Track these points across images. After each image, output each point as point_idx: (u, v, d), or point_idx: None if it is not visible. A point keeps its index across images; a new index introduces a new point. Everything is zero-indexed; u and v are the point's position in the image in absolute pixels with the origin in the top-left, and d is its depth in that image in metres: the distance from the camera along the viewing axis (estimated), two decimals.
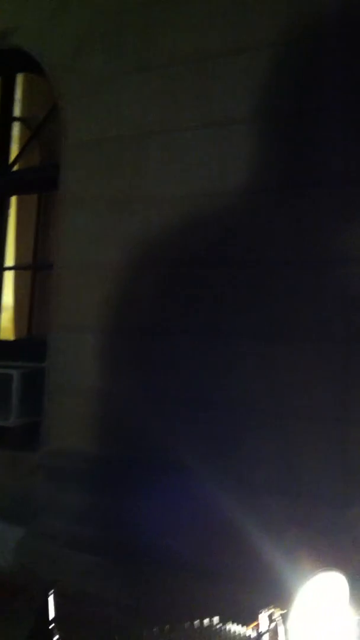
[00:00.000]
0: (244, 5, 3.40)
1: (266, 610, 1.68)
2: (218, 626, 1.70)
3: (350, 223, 3.10)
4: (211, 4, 3.49)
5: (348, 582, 1.74)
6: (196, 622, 1.69)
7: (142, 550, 3.17)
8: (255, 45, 3.36)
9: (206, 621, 1.70)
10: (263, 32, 3.34)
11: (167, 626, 1.66)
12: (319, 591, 1.72)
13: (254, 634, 1.70)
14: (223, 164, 3.43)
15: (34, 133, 5.01)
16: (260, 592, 2.03)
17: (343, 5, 3.14)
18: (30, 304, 5.01)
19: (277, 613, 1.67)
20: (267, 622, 1.67)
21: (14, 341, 5.07)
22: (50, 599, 1.82)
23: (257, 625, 1.69)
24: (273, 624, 1.67)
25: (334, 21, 3.17)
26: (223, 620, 1.72)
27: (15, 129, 5.18)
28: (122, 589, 3.01)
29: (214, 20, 3.48)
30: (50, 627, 1.76)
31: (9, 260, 5.06)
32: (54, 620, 1.77)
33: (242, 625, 1.72)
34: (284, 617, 1.68)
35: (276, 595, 1.76)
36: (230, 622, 1.72)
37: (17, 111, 5.18)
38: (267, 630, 1.67)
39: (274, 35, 3.31)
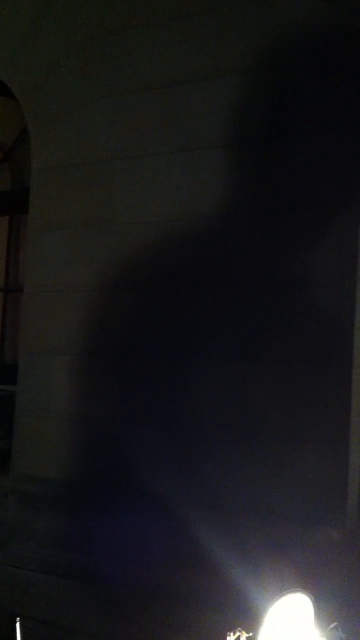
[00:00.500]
0: (213, 32, 3.45)
1: (233, 633, 1.68)
2: None
3: (317, 247, 3.15)
4: (180, 31, 3.54)
5: (313, 603, 1.75)
6: None
7: (113, 575, 3.15)
8: (224, 72, 3.41)
9: None
10: (231, 59, 3.40)
11: None
12: (285, 613, 1.74)
13: None
14: (192, 189, 3.48)
15: (5, 156, 5.02)
16: (227, 613, 2.03)
17: (311, 35, 3.21)
18: (1, 326, 5.00)
19: (244, 636, 1.68)
20: None
21: None
22: (18, 626, 1.81)
23: None
24: None
25: (302, 50, 3.25)
26: None
27: None
28: (91, 615, 2.99)
29: (182, 47, 3.54)
30: None
31: None
32: None
33: None
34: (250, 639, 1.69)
35: (243, 616, 1.77)
36: None
37: None
38: None
39: (242, 62, 3.37)
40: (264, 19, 3.32)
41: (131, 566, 3.10)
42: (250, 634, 1.67)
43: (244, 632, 1.66)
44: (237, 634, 1.67)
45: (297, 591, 1.76)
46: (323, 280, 3.15)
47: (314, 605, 1.74)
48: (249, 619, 1.72)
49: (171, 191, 3.53)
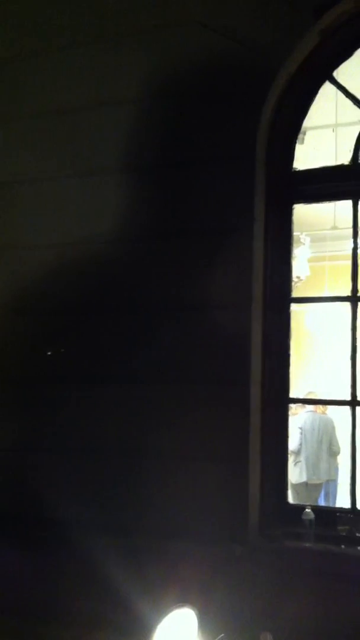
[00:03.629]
0: (108, 60, 3.53)
1: None
2: None
3: (215, 270, 3.23)
4: (76, 58, 3.60)
5: (198, 617, 1.80)
6: None
7: (13, 602, 3.11)
8: (119, 99, 3.49)
9: None
10: (126, 86, 3.48)
11: None
12: (172, 629, 1.77)
13: None
14: (92, 213, 3.52)
15: None
16: (117, 632, 2.05)
17: (201, 65, 3.33)
18: None
19: None
20: None
21: None
22: None
23: None
24: None
25: (193, 79, 3.35)
26: None
27: None
28: None
29: (80, 74, 3.59)
30: None
31: None
32: None
33: None
34: None
35: (131, 634, 1.79)
36: None
37: None
38: None
39: (135, 90, 3.46)
40: (156, 49, 3.43)
41: (28, 592, 3.07)
42: None
43: None
44: None
45: (183, 606, 1.80)
46: (221, 302, 3.24)
47: (198, 619, 1.79)
48: (137, 637, 1.75)
49: (72, 215, 3.56)
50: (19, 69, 3.73)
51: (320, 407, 8.19)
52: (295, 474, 7.67)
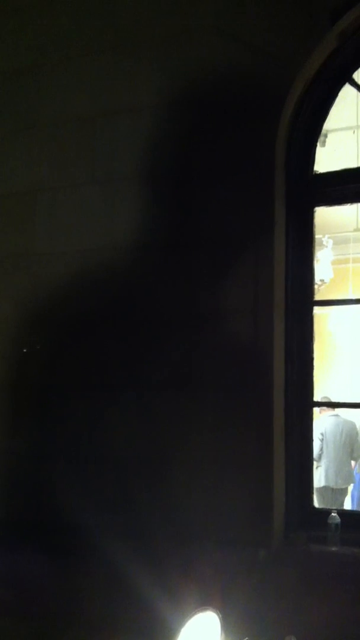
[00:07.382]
0: (123, 69, 3.55)
1: None
2: None
3: (233, 278, 3.23)
4: (92, 67, 3.62)
5: (221, 620, 1.81)
6: None
7: (36, 608, 3.14)
8: (136, 107, 3.50)
9: None
10: (143, 95, 3.49)
11: None
12: (196, 632, 1.78)
13: None
14: (110, 221, 3.53)
15: None
16: (140, 636, 2.06)
17: (221, 73, 3.34)
18: None
19: None
20: None
21: None
22: None
23: None
24: None
25: (210, 85, 3.35)
26: None
27: None
28: None
29: (95, 83, 3.61)
30: None
31: None
32: None
33: None
34: None
35: (156, 637, 1.80)
36: None
37: None
38: None
39: (153, 98, 3.46)
40: (173, 57, 3.44)
41: (50, 598, 3.09)
42: None
43: None
44: None
45: (206, 609, 1.81)
46: (242, 307, 3.22)
47: (221, 622, 1.80)
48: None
49: (91, 223, 3.56)
50: (37, 78, 3.76)
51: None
52: (315, 478, 7.65)
